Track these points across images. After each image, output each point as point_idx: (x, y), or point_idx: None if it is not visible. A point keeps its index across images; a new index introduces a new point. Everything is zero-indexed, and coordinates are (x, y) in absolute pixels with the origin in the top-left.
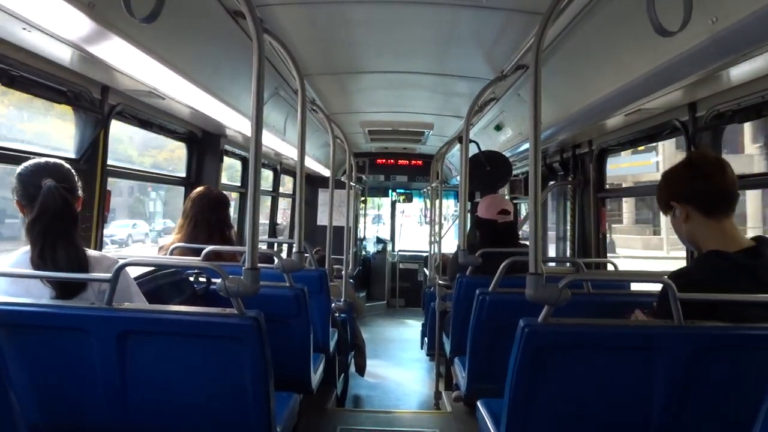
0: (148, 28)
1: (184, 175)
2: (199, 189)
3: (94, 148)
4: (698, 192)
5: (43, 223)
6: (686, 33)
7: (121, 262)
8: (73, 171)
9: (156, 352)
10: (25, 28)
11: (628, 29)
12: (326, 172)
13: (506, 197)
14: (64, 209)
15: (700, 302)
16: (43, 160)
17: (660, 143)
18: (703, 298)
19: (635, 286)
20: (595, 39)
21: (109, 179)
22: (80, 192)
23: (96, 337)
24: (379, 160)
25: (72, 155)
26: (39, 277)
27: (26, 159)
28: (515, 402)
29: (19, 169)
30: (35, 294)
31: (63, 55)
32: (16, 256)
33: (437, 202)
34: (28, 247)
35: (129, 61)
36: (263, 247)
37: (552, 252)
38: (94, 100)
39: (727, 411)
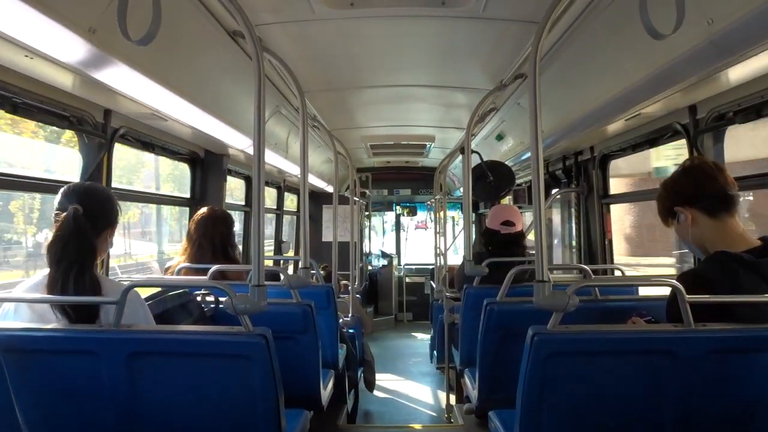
0: (149, 51)
1: (188, 195)
2: (203, 210)
3: (98, 171)
4: (702, 193)
5: (56, 249)
6: (683, 35)
7: (128, 283)
8: (111, 197)
9: (165, 373)
10: (27, 55)
11: (625, 34)
12: (330, 189)
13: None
14: (78, 237)
15: (711, 303)
16: (86, 183)
17: None
18: (713, 300)
19: (643, 291)
20: (593, 45)
21: None
22: (113, 219)
23: (105, 359)
24: (381, 175)
25: (76, 179)
26: (43, 302)
27: (29, 185)
28: (527, 411)
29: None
30: (49, 320)
31: (65, 80)
32: (39, 276)
33: (441, 214)
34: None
35: (131, 85)
36: (270, 264)
37: (559, 260)
38: (97, 123)
39: (741, 414)
